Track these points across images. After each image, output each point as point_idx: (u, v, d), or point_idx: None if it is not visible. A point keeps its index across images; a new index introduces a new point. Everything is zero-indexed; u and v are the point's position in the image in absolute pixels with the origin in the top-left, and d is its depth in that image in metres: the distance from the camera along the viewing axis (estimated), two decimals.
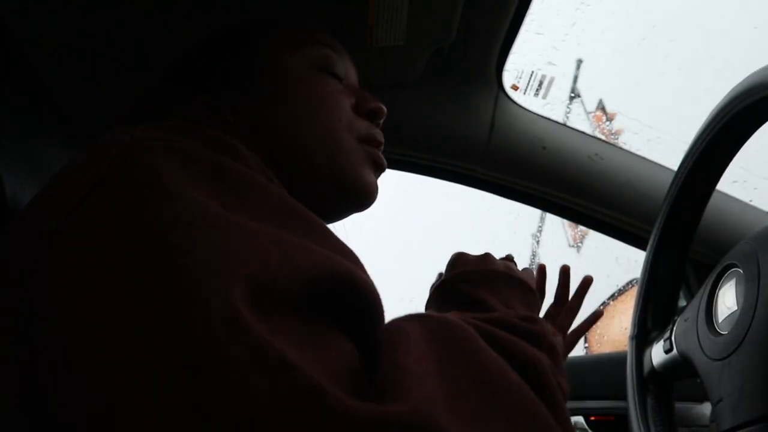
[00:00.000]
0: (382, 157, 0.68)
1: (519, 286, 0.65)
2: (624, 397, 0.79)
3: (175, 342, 0.31)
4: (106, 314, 0.33)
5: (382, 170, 0.68)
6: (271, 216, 0.39)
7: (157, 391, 0.31)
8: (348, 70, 0.71)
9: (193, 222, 0.35)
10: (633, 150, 1.21)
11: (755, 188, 1.33)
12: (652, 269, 0.80)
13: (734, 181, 1.13)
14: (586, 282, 0.90)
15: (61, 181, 0.42)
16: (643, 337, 0.80)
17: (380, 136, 0.68)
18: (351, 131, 0.65)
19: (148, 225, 0.36)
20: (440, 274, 0.72)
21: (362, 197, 0.66)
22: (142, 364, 0.31)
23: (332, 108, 0.65)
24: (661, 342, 0.73)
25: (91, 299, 0.34)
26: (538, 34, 1.21)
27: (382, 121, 0.70)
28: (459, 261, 0.70)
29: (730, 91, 0.65)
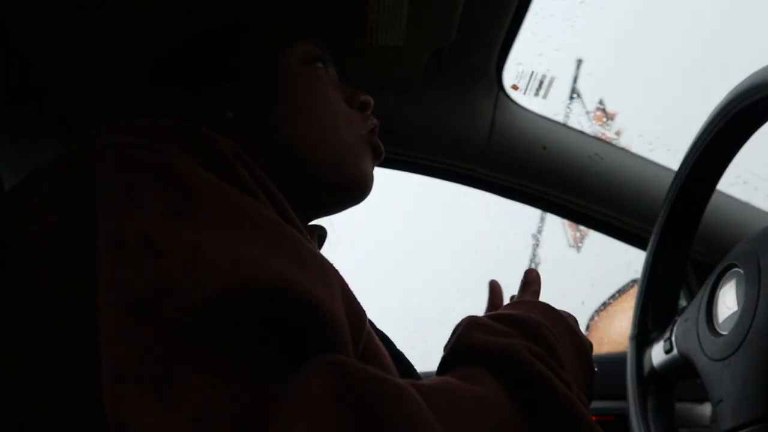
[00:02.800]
0: (380, 144, 0.70)
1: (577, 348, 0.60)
2: (624, 398, 0.79)
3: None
4: (27, 321, 0.34)
5: (380, 158, 0.70)
6: (215, 220, 0.37)
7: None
8: (331, 67, 0.73)
9: (105, 251, 0.34)
10: (634, 150, 1.21)
11: (756, 188, 1.33)
12: (652, 269, 0.80)
13: (735, 183, 1.13)
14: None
15: (32, 182, 0.43)
16: (643, 337, 0.80)
17: (375, 120, 0.71)
18: (350, 124, 0.67)
19: (74, 249, 0.35)
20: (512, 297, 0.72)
21: (360, 191, 0.67)
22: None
23: (329, 101, 0.66)
24: (662, 342, 0.73)
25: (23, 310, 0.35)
26: (538, 34, 1.21)
27: (369, 113, 0.72)
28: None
29: (731, 92, 0.65)
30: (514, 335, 0.51)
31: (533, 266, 0.87)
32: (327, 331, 0.36)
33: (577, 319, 0.67)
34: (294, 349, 0.35)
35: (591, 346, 0.64)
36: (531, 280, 0.71)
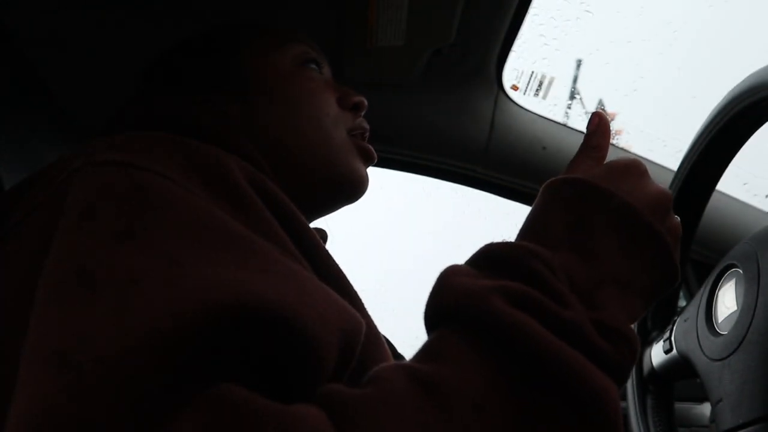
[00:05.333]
0: (370, 147, 0.70)
1: (648, 244, 0.43)
2: (624, 397, 0.79)
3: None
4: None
5: (372, 161, 0.70)
6: (178, 238, 0.35)
7: None
8: (325, 68, 0.73)
9: (44, 289, 0.34)
10: (634, 150, 1.21)
11: (755, 192, 1.33)
12: None
13: (735, 183, 1.13)
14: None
15: (23, 188, 0.44)
16: (643, 337, 0.80)
17: (365, 124, 0.71)
18: (338, 124, 0.67)
19: (26, 278, 0.36)
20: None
21: (354, 189, 0.68)
22: None
23: (319, 102, 0.66)
24: (661, 342, 0.73)
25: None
26: (539, 34, 1.21)
27: (363, 113, 0.72)
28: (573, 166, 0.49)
29: (730, 92, 0.65)
30: (487, 277, 0.39)
31: None
32: (292, 337, 0.32)
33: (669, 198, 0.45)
34: (262, 366, 0.32)
35: (672, 230, 0.46)
36: (590, 132, 0.51)
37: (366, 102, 0.71)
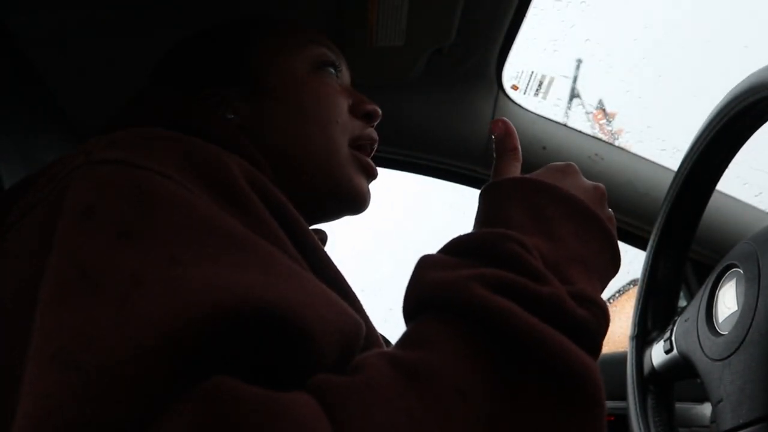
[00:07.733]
0: (372, 164, 0.68)
1: (598, 231, 0.46)
2: (624, 398, 0.79)
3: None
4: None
5: (373, 177, 0.68)
6: (178, 237, 0.35)
7: None
8: (344, 70, 0.71)
9: (46, 290, 0.34)
10: (634, 150, 1.21)
11: (758, 191, 1.33)
12: (652, 269, 0.80)
13: (735, 183, 1.13)
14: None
15: (21, 189, 0.44)
16: (643, 337, 0.80)
17: (374, 134, 0.69)
18: (345, 133, 0.65)
19: (29, 278, 0.36)
20: None
21: (353, 202, 0.66)
22: None
23: (330, 108, 0.65)
24: (662, 342, 0.73)
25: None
26: (539, 34, 1.21)
27: (376, 123, 0.70)
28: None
29: (730, 92, 0.65)
30: (465, 265, 0.40)
31: None
32: (292, 338, 0.33)
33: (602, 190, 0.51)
34: (264, 364, 0.33)
35: (610, 219, 0.51)
36: (501, 137, 0.56)
37: (380, 111, 0.69)
